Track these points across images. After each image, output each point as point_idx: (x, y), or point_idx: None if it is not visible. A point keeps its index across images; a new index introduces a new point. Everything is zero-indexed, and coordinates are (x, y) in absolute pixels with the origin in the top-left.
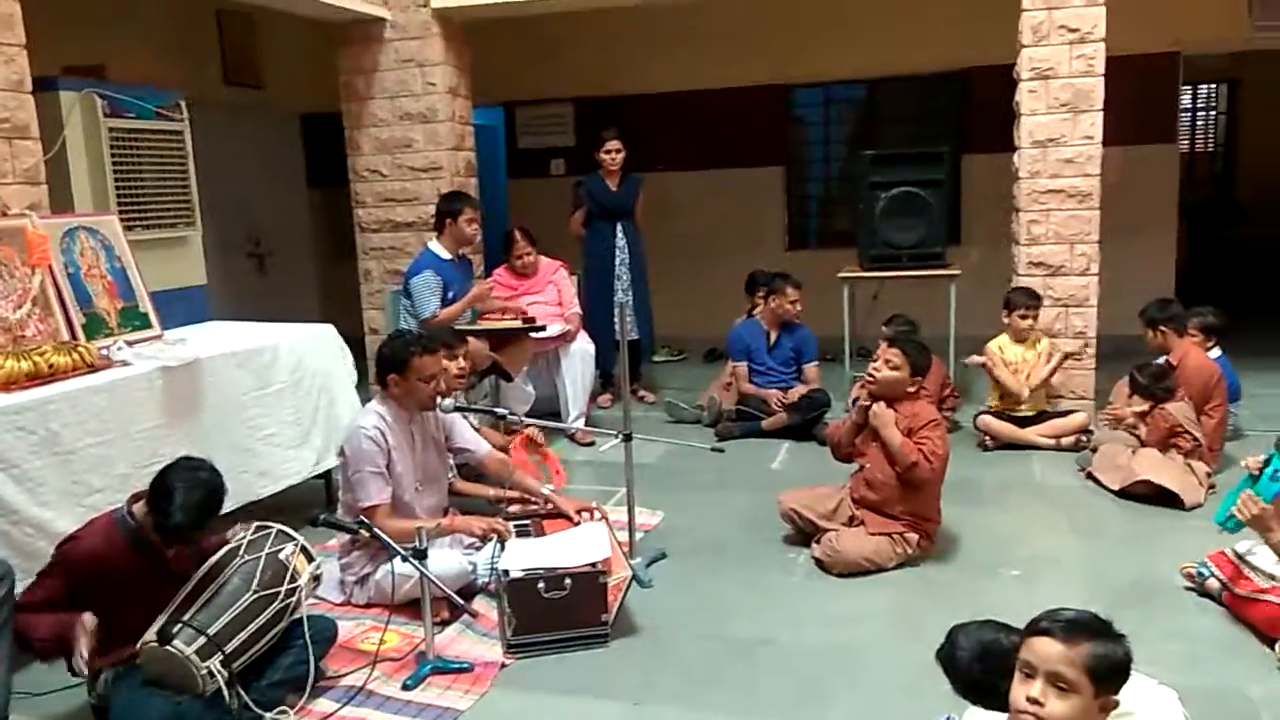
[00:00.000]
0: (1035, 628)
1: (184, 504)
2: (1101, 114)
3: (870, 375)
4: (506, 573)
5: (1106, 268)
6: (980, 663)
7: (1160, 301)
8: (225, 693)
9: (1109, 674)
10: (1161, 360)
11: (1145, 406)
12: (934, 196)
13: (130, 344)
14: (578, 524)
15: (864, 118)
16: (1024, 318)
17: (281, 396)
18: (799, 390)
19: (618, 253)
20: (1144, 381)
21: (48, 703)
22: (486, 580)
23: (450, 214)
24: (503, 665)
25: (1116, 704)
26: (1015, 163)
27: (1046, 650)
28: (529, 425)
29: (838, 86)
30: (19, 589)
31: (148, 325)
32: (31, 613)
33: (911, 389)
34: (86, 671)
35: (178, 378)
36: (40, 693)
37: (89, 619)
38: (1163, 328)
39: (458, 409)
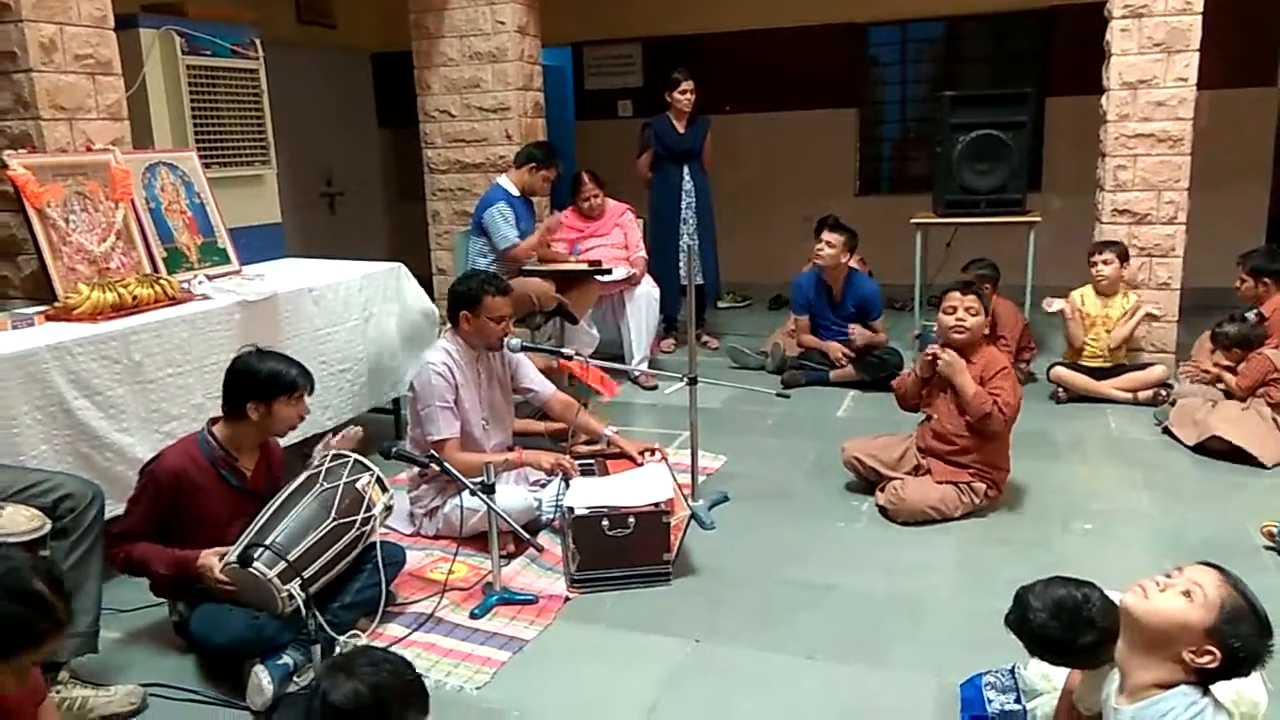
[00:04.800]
0: (1205, 563)
1: (296, 364)
2: (1197, 55)
3: (957, 329)
4: (571, 510)
5: (1193, 217)
6: (1056, 620)
7: (1270, 251)
8: (303, 612)
9: (1232, 622)
10: (1251, 312)
11: (1227, 361)
12: (1015, 140)
13: (210, 278)
14: (641, 465)
15: (943, 58)
16: (1094, 265)
17: (352, 332)
18: (864, 335)
19: (684, 196)
20: (1231, 334)
21: (133, 619)
22: (551, 516)
23: (539, 162)
24: (566, 599)
25: (1212, 658)
26: (1103, 105)
27: (1203, 571)
28: (592, 366)
29: (915, 25)
30: (108, 516)
31: (226, 260)
32: (133, 542)
33: (985, 332)
34: (224, 591)
35: (256, 312)
36: (126, 609)
37: (216, 550)
38: (1267, 279)
39: (524, 349)
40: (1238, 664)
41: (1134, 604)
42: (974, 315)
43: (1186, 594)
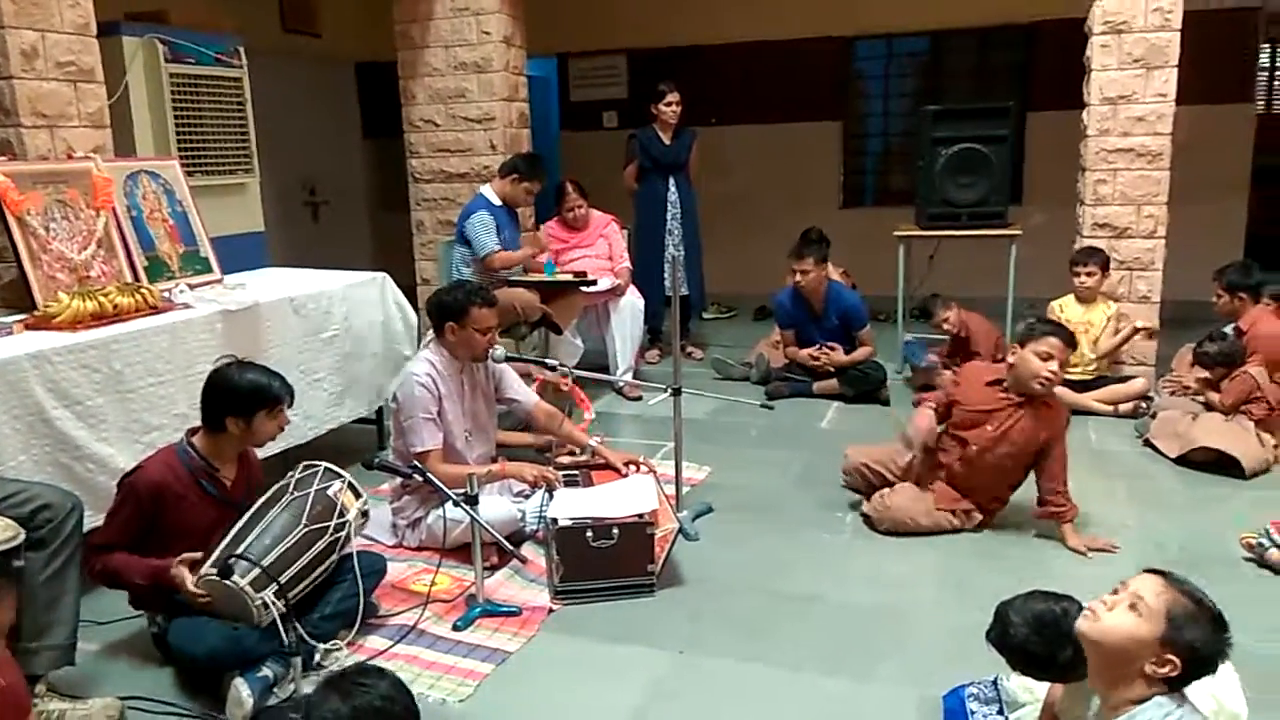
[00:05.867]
0: (1150, 569)
1: (277, 377)
2: (1176, 71)
3: (1046, 381)
4: (555, 521)
5: (1172, 231)
6: (1037, 634)
7: (1242, 266)
8: (280, 625)
9: (1182, 627)
10: (1229, 328)
11: (1207, 375)
12: (997, 153)
13: (192, 287)
14: (625, 476)
15: (927, 72)
16: (1076, 275)
17: (333, 342)
18: (841, 358)
19: (669, 207)
20: (1213, 353)
21: (111, 631)
22: (535, 528)
23: (522, 174)
24: (550, 610)
25: (1173, 666)
26: (1083, 120)
27: (1144, 581)
28: (577, 377)
29: (900, 39)
30: (87, 527)
31: (208, 269)
32: (110, 553)
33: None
34: (199, 603)
35: (237, 321)
36: (104, 621)
37: (188, 556)
38: (1242, 294)
39: (508, 359)
40: (1201, 665)
41: (1087, 629)
42: (1062, 367)
43: (1132, 608)
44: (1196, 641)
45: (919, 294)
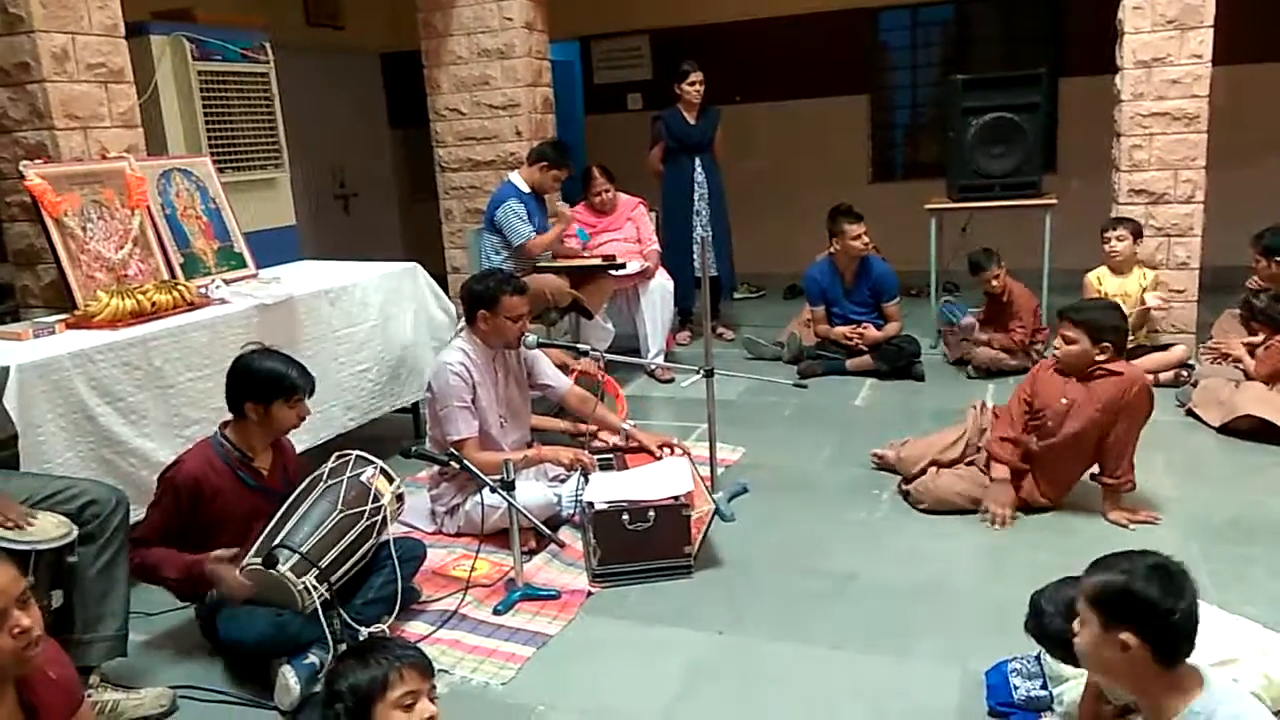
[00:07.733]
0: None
1: (296, 365)
2: (1212, 31)
3: (1055, 356)
4: (591, 504)
5: (1211, 195)
6: (1070, 621)
7: None
8: (320, 612)
9: (1109, 602)
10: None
11: (1261, 337)
12: (1029, 122)
13: (227, 282)
14: (660, 459)
15: (953, 41)
16: (1106, 241)
17: (370, 333)
18: (875, 335)
19: (696, 188)
20: (1257, 308)
21: (160, 622)
22: (571, 512)
23: (551, 161)
24: (589, 593)
25: (1125, 643)
26: (1117, 84)
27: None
28: (608, 360)
29: (925, 8)
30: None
31: (243, 264)
32: (148, 547)
33: (1102, 357)
34: (240, 595)
35: (273, 315)
36: (154, 612)
37: (222, 553)
38: (1279, 259)
39: (540, 345)
40: (1162, 621)
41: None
42: (1069, 344)
43: (1080, 623)
44: (1134, 604)
45: (952, 266)
